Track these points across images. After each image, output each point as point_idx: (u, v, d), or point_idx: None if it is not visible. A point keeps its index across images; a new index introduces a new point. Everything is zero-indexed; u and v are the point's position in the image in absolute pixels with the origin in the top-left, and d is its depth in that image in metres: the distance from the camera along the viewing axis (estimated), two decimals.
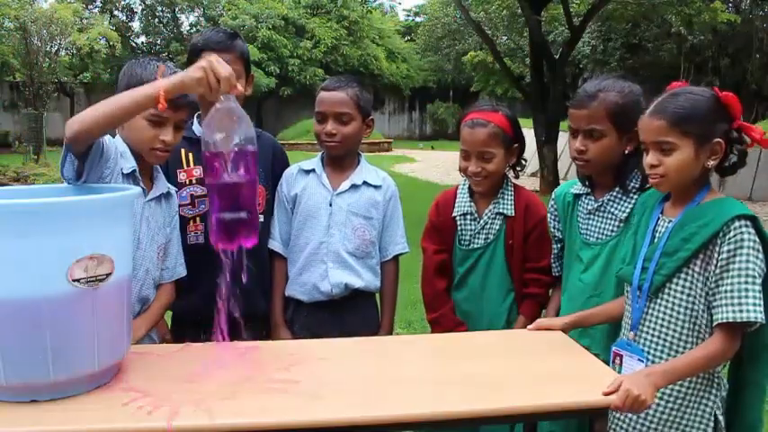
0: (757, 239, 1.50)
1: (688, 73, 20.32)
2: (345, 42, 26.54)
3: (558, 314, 2.01)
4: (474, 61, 23.65)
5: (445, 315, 2.12)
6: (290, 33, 25.52)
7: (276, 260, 2.19)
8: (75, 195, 1.52)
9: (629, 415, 1.63)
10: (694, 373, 1.56)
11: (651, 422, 1.61)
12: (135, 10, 26.24)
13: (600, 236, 1.91)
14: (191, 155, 2.12)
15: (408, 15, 36.15)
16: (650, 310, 1.64)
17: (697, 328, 1.57)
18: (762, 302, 1.47)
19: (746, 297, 1.46)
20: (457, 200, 2.16)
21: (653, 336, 1.63)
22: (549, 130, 11.25)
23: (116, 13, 25.82)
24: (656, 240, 1.65)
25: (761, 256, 1.50)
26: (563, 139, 11.61)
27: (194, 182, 2.11)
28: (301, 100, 26.26)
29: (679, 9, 12.02)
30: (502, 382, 1.46)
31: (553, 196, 2.10)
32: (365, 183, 2.17)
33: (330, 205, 2.13)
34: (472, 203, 2.13)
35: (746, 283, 1.47)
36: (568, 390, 1.42)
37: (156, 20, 26.42)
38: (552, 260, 2.10)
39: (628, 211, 1.86)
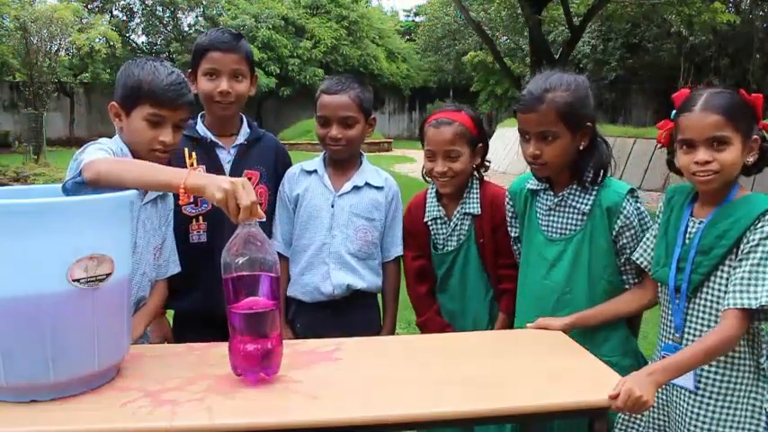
0: None
1: (688, 73, 20.31)
2: (345, 42, 26.54)
3: (514, 314, 2.00)
4: (474, 61, 23.68)
5: (431, 318, 2.14)
6: (289, 33, 25.52)
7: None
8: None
9: (682, 413, 1.63)
10: (698, 365, 1.54)
11: (704, 421, 1.59)
12: (135, 10, 26.24)
13: (563, 231, 1.87)
14: (194, 154, 2.12)
15: (408, 15, 36.19)
16: (691, 311, 1.63)
17: None
18: None
19: (764, 284, 1.46)
20: (426, 205, 2.15)
21: (697, 336, 1.62)
22: None
23: (116, 12, 25.81)
24: (687, 241, 1.64)
25: None
26: None
27: None
28: (301, 100, 26.24)
29: (679, 9, 12.02)
30: (502, 382, 1.46)
31: (508, 194, 2.04)
32: (367, 184, 2.17)
33: (332, 206, 2.13)
34: (440, 207, 2.12)
35: (765, 272, 1.47)
36: (568, 390, 1.42)
37: (156, 20, 26.41)
38: (517, 259, 2.06)
39: (590, 203, 1.82)
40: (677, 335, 1.66)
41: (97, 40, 21.49)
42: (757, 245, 1.50)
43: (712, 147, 1.55)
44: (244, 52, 2.12)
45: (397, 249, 2.22)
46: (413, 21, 34.96)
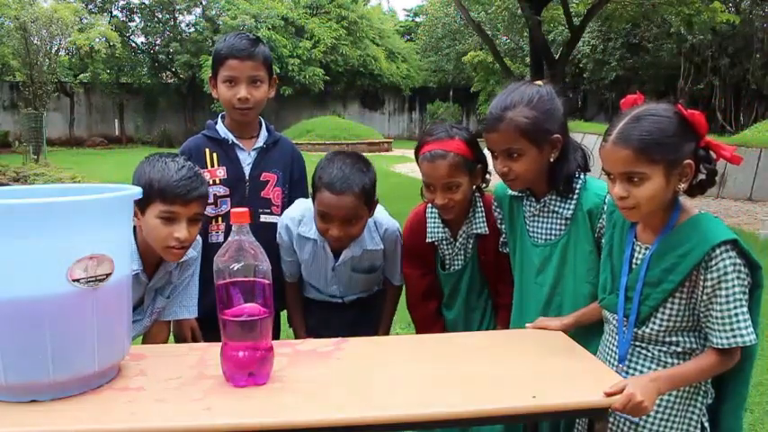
0: (738, 261, 1.46)
1: (688, 73, 20.31)
2: (345, 42, 26.54)
3: (511, 318, 1.99)
4: (474, 61, 23.68)
5: None
6: (289, 33, 25.51)
7: (288, 286, 2.19)
8: (75, 195, 1.51)
9: (621, 421, 1.62)
10: (698, 381, 1.55)
11: (642, 430, 1.60)
12: (134, 10, 26.24)
13: (548, 237, 1.85)
14: (215, 155, 2.17)
15: (408, 15, 36.21)
16: (638, 342, 1.61)
17: (682, 355, 1.57)
18: (750, 320, 1.47)
19: (738, 321, 1.45)
20: (428, 225, 2.07)
21: (643, 367, 1.60)
22: None
23: (115, 12, 25.81)
24: (634, 267, 1.61)
25: (744, 276, 1.47)
26: None
27: (218, 182, 2.15)
28: (301, 100, 26.24)
29: (678, 9, 12.00)
30: (502, 382, 1.46)
31: (495, 199, 2.00)
32: (365, 250, 2.08)
33: (333, 270, 2.11)
34: (446, 229, 2.06)
35: (735, 307, 1.46)
36: (568, 390, 1.42)
37: (156, 20, 26.41)
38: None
39: (572, 208, 1.80)
40: (621, 365, 1.62)
41: (97, 40, 21.51)
42: (718, 282, 1.46)
43: (629, 181, 1.48)
44: (261, 58, 2.12)
45: (396, 279, 2.20)
46: (413, 21, 34.98)
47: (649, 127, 1.46)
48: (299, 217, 2.08)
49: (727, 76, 19.91)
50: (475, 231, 2.04)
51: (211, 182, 2.12)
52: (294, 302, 2.21)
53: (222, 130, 2.20)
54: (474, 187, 2.03)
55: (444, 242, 2.08)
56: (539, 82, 1.81)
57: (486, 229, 2.03)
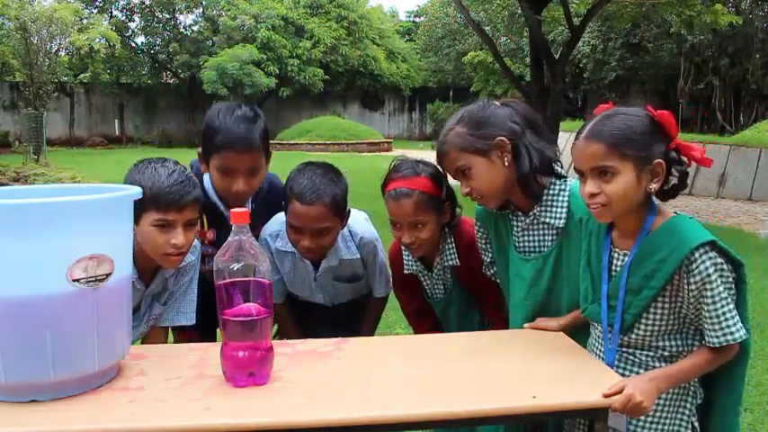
0: (719, 260, 1.46)
1: (688, 73, 20.30)
2: (345, 42, 26.56)
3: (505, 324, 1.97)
4: (474, 61, 23.69)
5: None
6: (289, 33, 25.54)
7: (278, 308, 2.12)
8: (75, 195, 1.51)
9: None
10: (696, 377, 1.56)
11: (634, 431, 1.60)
12: (134, 10, 26.26)
13: (540, 248, 1.82)
14: (204, 217, 2.04)
15: (408, 17, 36.23)
16: (625, 349, 1.61)
17: (668, 358, 1.57)
18: (738, 317, 1.48)
19: (726, 320, 1.46)
20: (403, 257, 2.08)
21: (633, 373, 1.60)
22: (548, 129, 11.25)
23: (115, 13, 25.83)
24: (613, 275, 1.60)
25: (727, 274, 1.48)
26: (562, 139, 11.70)
27: (206, 242, 2.05)
28: (301, 100, 26.27)
29: (680, 10, 11.97)
30: (502, 382, 1.46)
31: (478, 220, 1.95)
32: (341, 260, 2.08)
33: (315, 280, 2.10)
34: (417, 262, 2.06)
35: (723, 306, 1.46)
36: (568, 390, 1.42)
37: (156, 20, 26.42)
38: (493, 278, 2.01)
39: (563, 217, 1.76)
40: None
41: (97, 40, 21.53)
42: (703, 285, 1.45)
43: (600, 177, 1.48)
44: (260, 142, 1.93)
45: (379, 293, 2.20)
46: (412, 22, 35.00)
47: (620, 123, 1.48)
48: (275, 232, 2.07)
49: (727, 76, 19.91)
50: (448, 264, 2.02)
51: (201, 241, 2.01)
52: (286, 321, 2.20)
53: (211, 193, 2.05)
54: (443, 224, 1.98)
55: (420, 274, 2.08)
56: (496, 102, 1.78)
57: (458, 260, 2.00)
